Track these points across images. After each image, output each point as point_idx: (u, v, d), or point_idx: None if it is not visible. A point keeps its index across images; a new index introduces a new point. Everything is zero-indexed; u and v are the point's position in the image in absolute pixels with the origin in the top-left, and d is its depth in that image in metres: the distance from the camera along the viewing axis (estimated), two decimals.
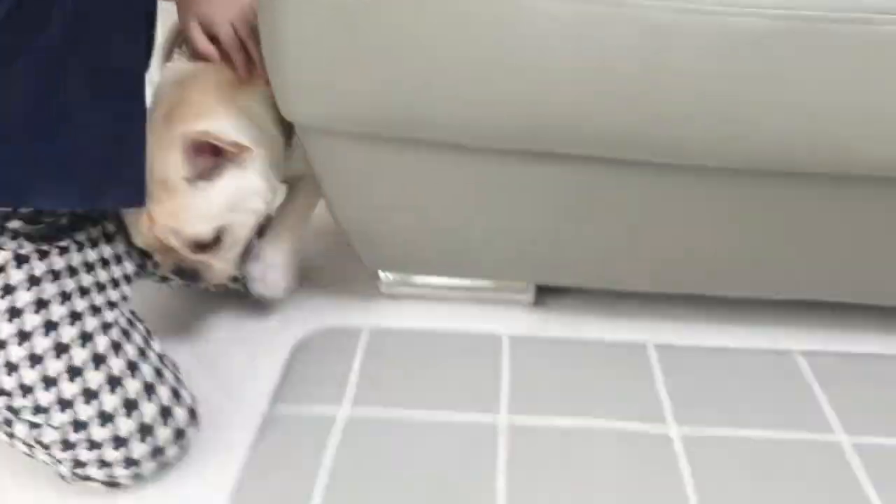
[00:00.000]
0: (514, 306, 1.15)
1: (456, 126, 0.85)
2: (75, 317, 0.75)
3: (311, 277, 1.19)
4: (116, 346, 0.77)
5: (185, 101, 0.85)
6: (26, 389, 0.70)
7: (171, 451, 0.80)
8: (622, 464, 0.85)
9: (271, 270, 1.01)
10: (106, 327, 0.78)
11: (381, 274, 1.16)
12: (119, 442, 0.74)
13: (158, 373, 0.81)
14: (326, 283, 1.20)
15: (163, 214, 0.82)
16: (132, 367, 0.78)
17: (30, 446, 0.74)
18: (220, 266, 0.90)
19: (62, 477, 0.77)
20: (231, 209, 0.86)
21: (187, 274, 0.89)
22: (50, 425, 0.72)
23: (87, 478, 0.76)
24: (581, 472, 0.84)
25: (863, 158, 0.81)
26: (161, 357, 0.85)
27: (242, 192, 0.87)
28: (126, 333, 0.81)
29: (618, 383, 0.98)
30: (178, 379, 0.85)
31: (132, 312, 0.87)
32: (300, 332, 1.09)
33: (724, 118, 0.78)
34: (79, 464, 0.74)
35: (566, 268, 1.08)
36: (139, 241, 0.86)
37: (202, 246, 0.86)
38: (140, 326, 0.86)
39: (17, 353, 0.70)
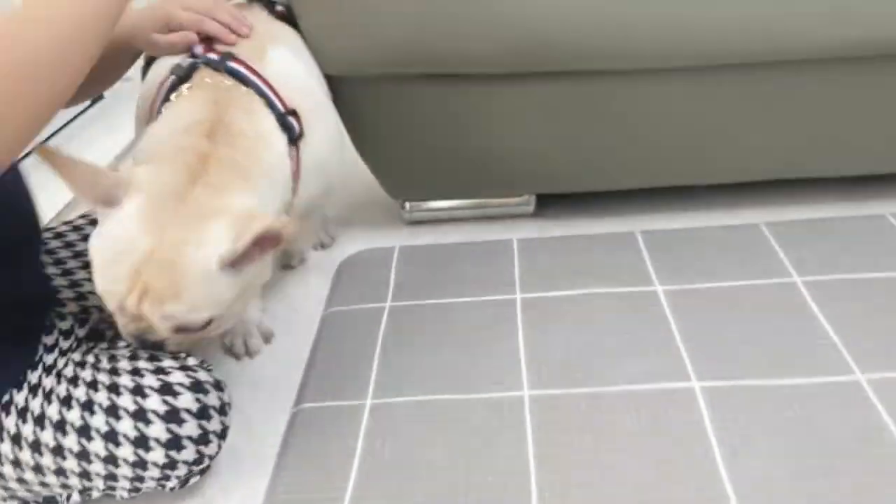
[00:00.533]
0: (518, 218, 1.35)
1: (463, 56, 1.06)
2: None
3: (343, 216, 1.40)
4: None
5: (210, 172, 0.76)
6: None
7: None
8: (620, 316, 1.05)
9: (252, 338, 1.08)
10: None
11: (403, 204, 1.36)
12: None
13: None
14: (357, 219, 1.40)
15: (162, 292, 0.71)
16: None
17: None
18: (188, 343, 0.84)
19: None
20: (239, 297, 0.78)
21: (148, 344, 0.81)
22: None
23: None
24: (586, 325, 1.04)
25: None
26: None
27: (256, 281, 0.82)
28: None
29: (611, 262, 1.17)
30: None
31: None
32: (340, 256, 1.29)
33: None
34: None
35: (563, 176, 1.27)
36: (110, 302, 0.74)
37: (186, 329, 0.76)
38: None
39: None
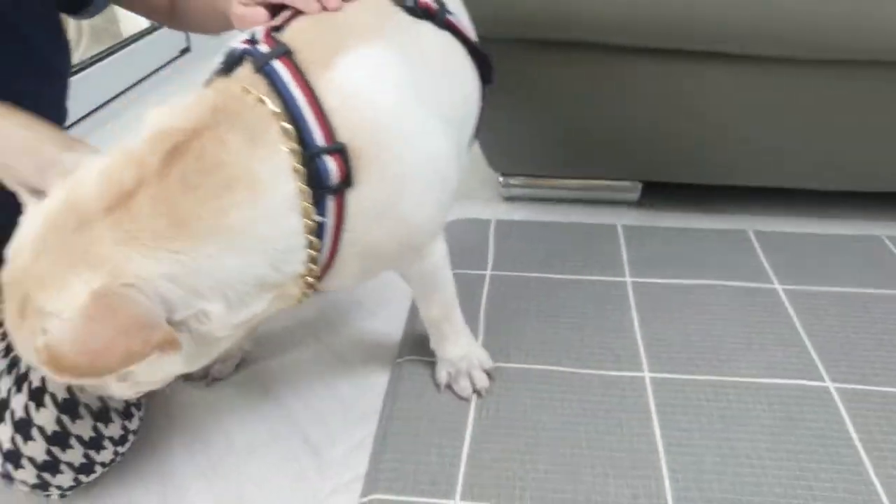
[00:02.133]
0: (621, 204, 1.31)
1: (598, 22, 1.02)
2: None
3: None
4: None
5: (132, 206, 0.53)
6: None
7: None
8: (737, 309, 1.00)
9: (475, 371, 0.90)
10: None
11: (501, 178, 1.32)
12: None
13: None
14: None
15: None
16: None
17: None
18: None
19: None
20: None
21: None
22: None
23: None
24: (703, 314, 0.99)
25: None
26: None
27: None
28: None
29: (725, 257, 1.12)
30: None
31: None
32: None
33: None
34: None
35: (673, 165, 1.23)
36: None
37: None
38: None
39: None
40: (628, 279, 1.08)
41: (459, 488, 0.75)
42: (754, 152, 1.17)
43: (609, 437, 0.80)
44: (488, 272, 1.10)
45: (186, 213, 0.53)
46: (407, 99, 0.64)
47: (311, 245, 0.60)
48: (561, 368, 0.90)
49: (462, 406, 0.85)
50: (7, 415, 0.69)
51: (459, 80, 0.75)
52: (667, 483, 0.75)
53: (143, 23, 1.86)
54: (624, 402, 0.85)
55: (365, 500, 0.75)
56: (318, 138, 0.59)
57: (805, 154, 1.16)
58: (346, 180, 0.60)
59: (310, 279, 0.62)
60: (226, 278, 0.56)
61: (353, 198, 0.61)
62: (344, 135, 0.59)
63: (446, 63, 0.73)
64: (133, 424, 0.78)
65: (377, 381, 0.92)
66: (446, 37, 0.73)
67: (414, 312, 1.01)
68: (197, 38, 1.97)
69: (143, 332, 0.49)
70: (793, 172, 1.20)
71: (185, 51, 1.98)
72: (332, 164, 0.59)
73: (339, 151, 0.59)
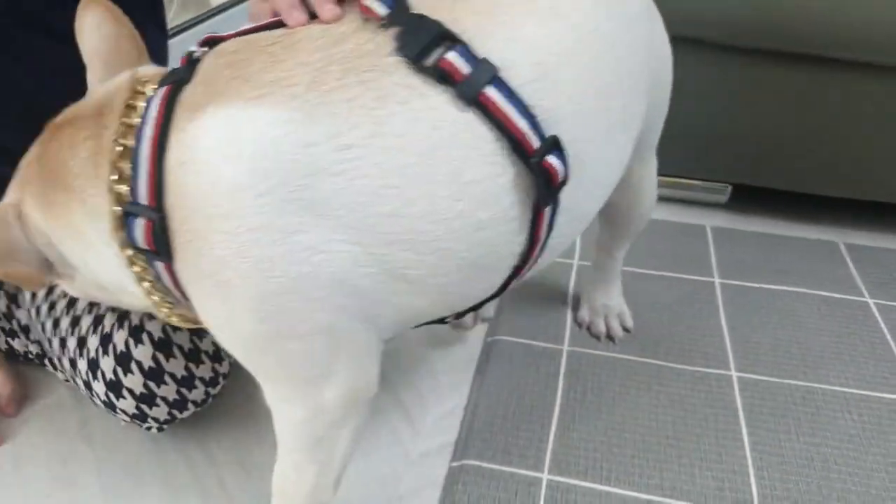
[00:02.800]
0: (710, 206, 1.31)
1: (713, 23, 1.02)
2: None
3: None
4: None
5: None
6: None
7: None
8: (827, 319, 1.00)
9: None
10: None
11: None
12: None
13: None
14: None
15: None
16: None
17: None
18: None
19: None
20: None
21: None
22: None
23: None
24: (791, 321, 0.99)
25: None
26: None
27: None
28: None
29: (814, 267, 1.12)
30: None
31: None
32: None
33: None
34: None
35: (765, 169, 1.22)
36: None
37: None
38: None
39: None
40: (717, 280, 1.09)
41: (547, 463, 0.78)
42: (851, 162, 1.16)
43: (696, 431, 0.82)
44: (575, 262, 1.13)
45: (46, 195, 0.53)
46: (270, 187, 0.46)
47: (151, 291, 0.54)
48: (649, 360, 0.93)
49: (550, 386, 0.88)
50: (110, 348, 0.75)
51: (450, 197, 0.48)
52: (752, 479, 0.76)
53: None
54: (711, 398, 0.86)
55: (456, 464, 0.79)
56: (142, 195, 0.49)
57: None
58: (159, 251, 0.50)
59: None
60: (81, 261, 0.55)
61: (180, 271, 0.51)
62: (169, 199, 0.48)
63: (431, 166, 0.48)
64: (223, 368, 0.81)
65: (467, 356, 0.95)
66: (464, 123, 0.48)
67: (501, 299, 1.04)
68: None
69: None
70: (888, 186, 1.18)
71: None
72: (139, 230, 0.50)
73: (151, 219, 0.49)
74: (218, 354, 0.81)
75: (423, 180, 0.48)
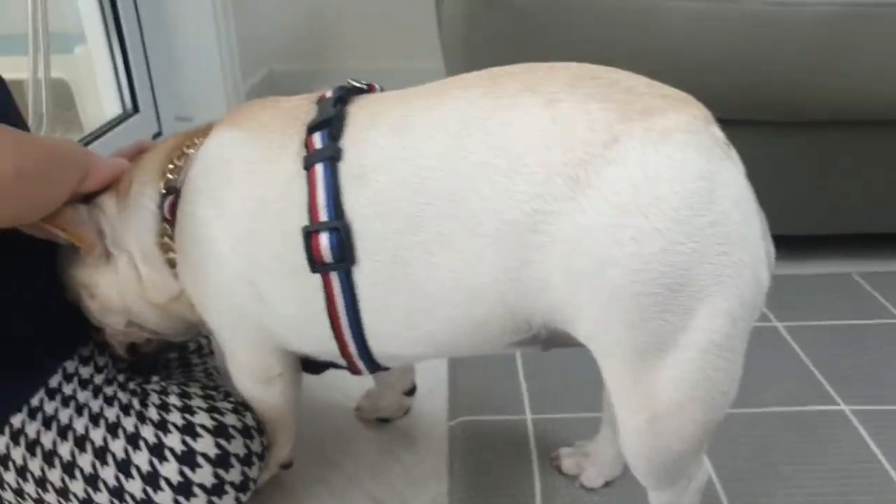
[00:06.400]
0: None
1: None
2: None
3: None
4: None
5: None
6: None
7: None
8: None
9: None
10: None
11: None
12: None
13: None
14: None
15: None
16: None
17: None
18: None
19: None
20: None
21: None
22: None
23: None
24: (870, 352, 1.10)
25: None
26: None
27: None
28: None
29: (826, 297, 1.25)
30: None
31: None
32: None
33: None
34: None
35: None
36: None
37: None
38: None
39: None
40: (777, 323, 1.17)
41: None
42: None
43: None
44: None
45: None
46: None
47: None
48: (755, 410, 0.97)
49: (525, 465, 0.89)
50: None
51: (277, 242, 0.65)
52: None
53: (107, 112, 1.85)
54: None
55: None
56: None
57: None
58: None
59: None
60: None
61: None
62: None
63: (267, 204, 0.66)
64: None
65: (432, 443, 0.94)
66: (296, 184, 0.64)
67: (454, 366, 1.05)
68: (168, 124, 1.97)
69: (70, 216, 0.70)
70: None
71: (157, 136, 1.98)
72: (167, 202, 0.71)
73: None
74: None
75: (263, 217, 0.64)
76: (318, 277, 0.62)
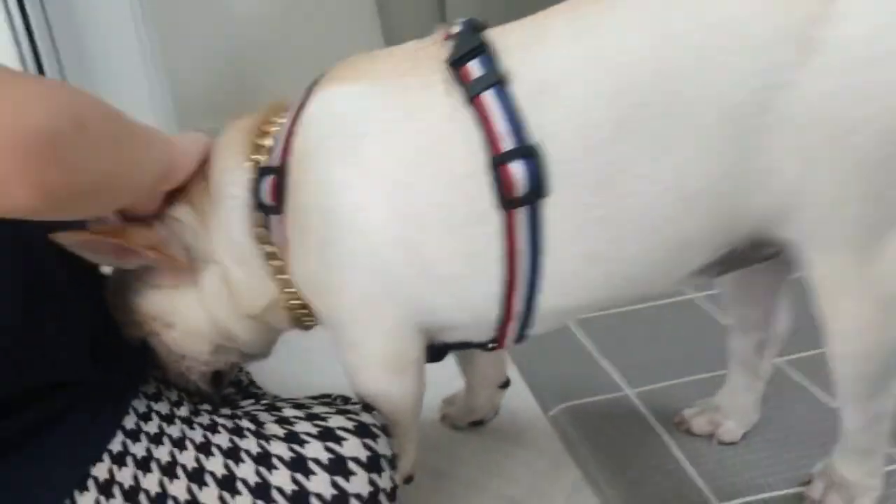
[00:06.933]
0: None
1: None
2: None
3: None
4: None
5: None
6: None
7: None
8: None
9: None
10: None
11: None
12: None
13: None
14: None
15: None
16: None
17: None
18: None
19: None
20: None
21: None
22: None
23: None
24: None
25: None
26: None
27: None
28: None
29: None
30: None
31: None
32: None
33: None
34: None
35: None
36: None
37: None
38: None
39: None
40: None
41: None
42: None
43: None
44: None
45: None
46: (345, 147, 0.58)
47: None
48: None
49: (652, 436, 0.82)
50: None
51: (441, 187, 0.56)
52: None
53: None
54: None
55: None
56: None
57: None
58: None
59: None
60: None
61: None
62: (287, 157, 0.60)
63: (427, 154, 0.56)
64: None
65: (542, 436, 0.86)
66: (458, 121, 0.54)
67: (519, 360, 0.98)
68: None
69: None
70: None
71: None
72: (266, 184, 0.60)
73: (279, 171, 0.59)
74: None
75: (422, 166, 0.55)
76: (495, 223, 0.55)
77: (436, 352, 0.68)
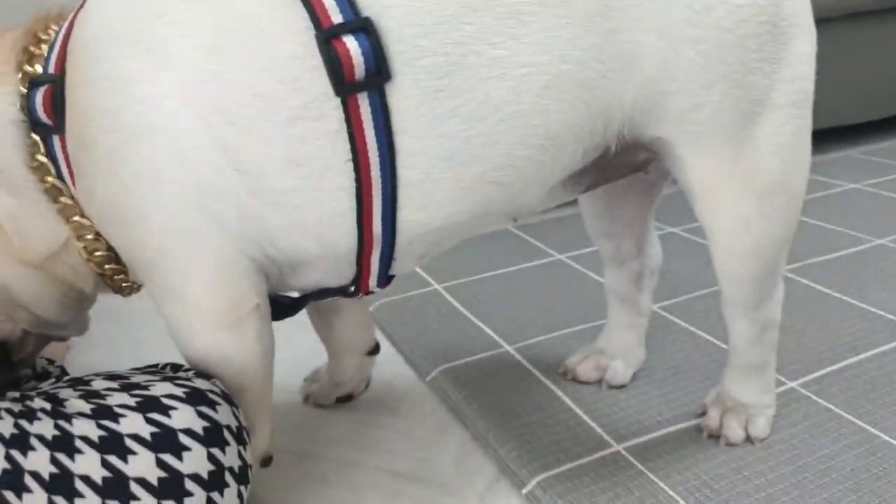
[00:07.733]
0: None
1: None
2: None
3: None
4: None
5: None
6: None
7: None
8: None
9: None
10: None
11: None
12: None
13: None
14: None
15: None
16: None
17: None
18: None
19: None
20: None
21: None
22: None
23: None
24: None
25: None
26: None
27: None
28: None
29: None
30: None
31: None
32: None
33: None
34: None
35: None
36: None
37: None
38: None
39: None
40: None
41: None
42: None
43: None
44: None
45: None
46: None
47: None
48: None
49: (539, 387, 0.76)
50: None
51: (264, 71, 0.45)
52: None
53: None
54: None
55: None
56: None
57: None
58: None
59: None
60: None
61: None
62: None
63: (249, 35, 0.45)
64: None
65: (420, 402, 0.76)
66: None
67: (386, 328, 0.88)
68: None
69: None
70: None
71: None
72: (38, 95, 0.49)
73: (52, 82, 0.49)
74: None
75: (234, 49, 0.45)
76: (333, 117, 0.45)
77: (286, 307, 0.57)
